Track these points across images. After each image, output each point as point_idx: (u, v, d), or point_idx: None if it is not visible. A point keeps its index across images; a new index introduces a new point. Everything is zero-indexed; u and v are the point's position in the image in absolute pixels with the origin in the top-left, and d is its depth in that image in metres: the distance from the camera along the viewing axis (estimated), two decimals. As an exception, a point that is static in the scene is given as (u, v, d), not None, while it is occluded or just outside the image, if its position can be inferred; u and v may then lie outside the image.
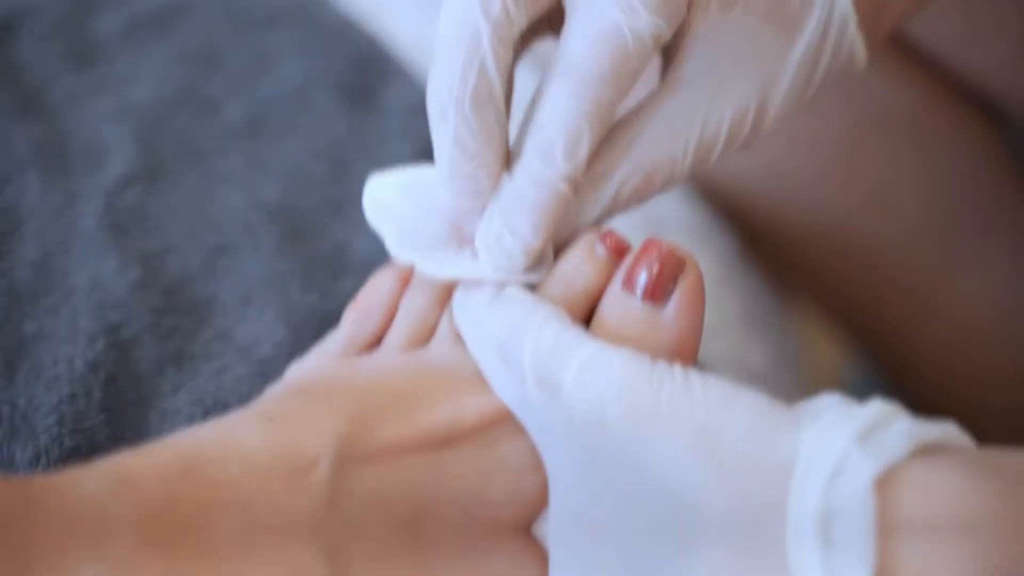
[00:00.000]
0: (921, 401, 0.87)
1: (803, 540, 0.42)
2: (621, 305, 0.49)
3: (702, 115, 0.51)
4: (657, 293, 0.49)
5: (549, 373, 0.46)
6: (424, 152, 0.71)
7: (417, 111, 0.74)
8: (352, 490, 0.46)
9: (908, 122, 0.78)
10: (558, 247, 0.52)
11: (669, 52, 0.53)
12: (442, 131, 0.49)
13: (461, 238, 0.52)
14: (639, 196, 0.52)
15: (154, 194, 0.66)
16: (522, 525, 0.49)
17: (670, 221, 0.75)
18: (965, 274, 0.81)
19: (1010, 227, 0.82)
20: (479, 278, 0.51)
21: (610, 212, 0.52)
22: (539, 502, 0.49)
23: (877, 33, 0.54)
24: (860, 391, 1.07)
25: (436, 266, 0.51)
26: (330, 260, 0.65)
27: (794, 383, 0.80)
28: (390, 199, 0.54)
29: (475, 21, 0.48)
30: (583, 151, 0.49)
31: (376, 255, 0.65)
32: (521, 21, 0.49)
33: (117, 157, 0.68)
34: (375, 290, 0.54)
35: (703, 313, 0.50)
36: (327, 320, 0.61)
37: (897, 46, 0.77)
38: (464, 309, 0.51)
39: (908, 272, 0.82)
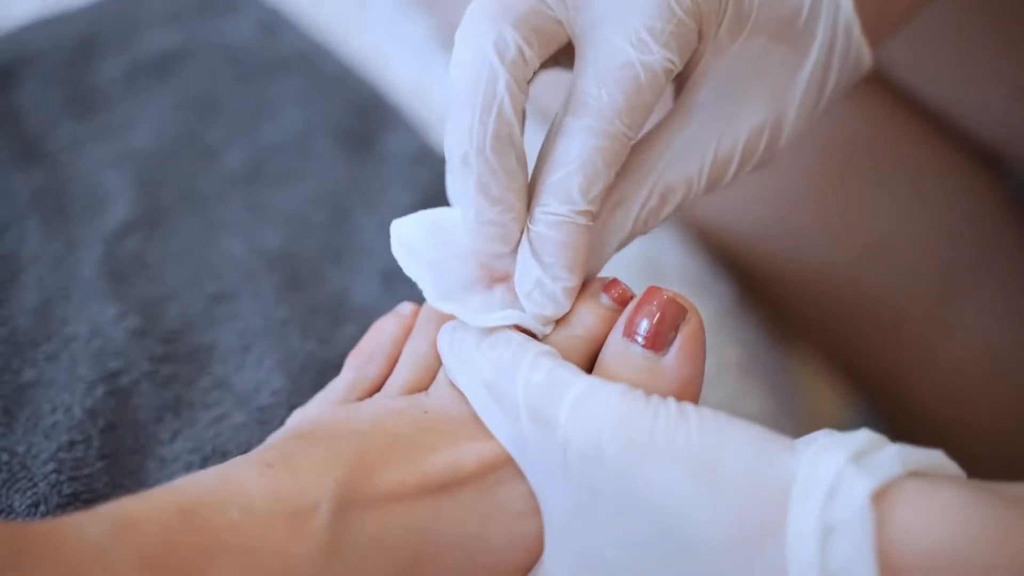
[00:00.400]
0: (922, 442, 0.86)
1: (803, 559, 0.42)
2: (622, 352, 0.50)
3: (716, 137, 0.52)
4: (659, 341, 0.49)
5: (544, 408, 0.47)
6: (424, 199, 0.71)
7: (417, 159, 0.74)
8: (353, 535, 0.46)
9: (907, 169, 0.79)
10: (589, 276, 0.52)
11: (680, 77, 0.54)
12: (466, 178, 0.49)
13: (491, 278, 0.52)
14: (656, 218, 0.52)
15: (154, 241, 0.66)
16: (522, 570, 0.49)
17: (669, 269, 0.75)
18: (963, 320, 0.81)
19: (1009, 274, 0.82)
20: (524, 324, 0.51)
21: (630, 237, 0.52)
22: (539, 547, 0.49)
23: (881, 34, 0.55)
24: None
25: (479, 317, 0.51)
26: (329, 307, 0.65)
27: (793, 431, 0.79)
28: (418, 243, 0.53)
29: (490, 65, 0.48)
30: (600, 187, 0.49)
31: (375, 302, 0.66)
32: (535, 63, 0.49)
33: (117, 204, 0.68)
34: (378, 335, 0.55)
35: (704, 360, 0.50)
36: (326, 368, 0.61)
37: (895, 94, 0.78)
38: (452, 350, 0.51)
39: (906, 318, 0.82)
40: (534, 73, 0.50)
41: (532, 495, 0.49)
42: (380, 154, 0.74)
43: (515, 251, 0.51)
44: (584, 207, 0.49)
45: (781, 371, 0.83)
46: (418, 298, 0.65)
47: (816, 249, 0.80)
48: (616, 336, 0.50)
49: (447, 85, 0.80)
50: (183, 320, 0.62)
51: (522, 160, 0.50)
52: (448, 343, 0.51)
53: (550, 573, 0.48)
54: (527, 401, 0.47)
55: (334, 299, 0.66)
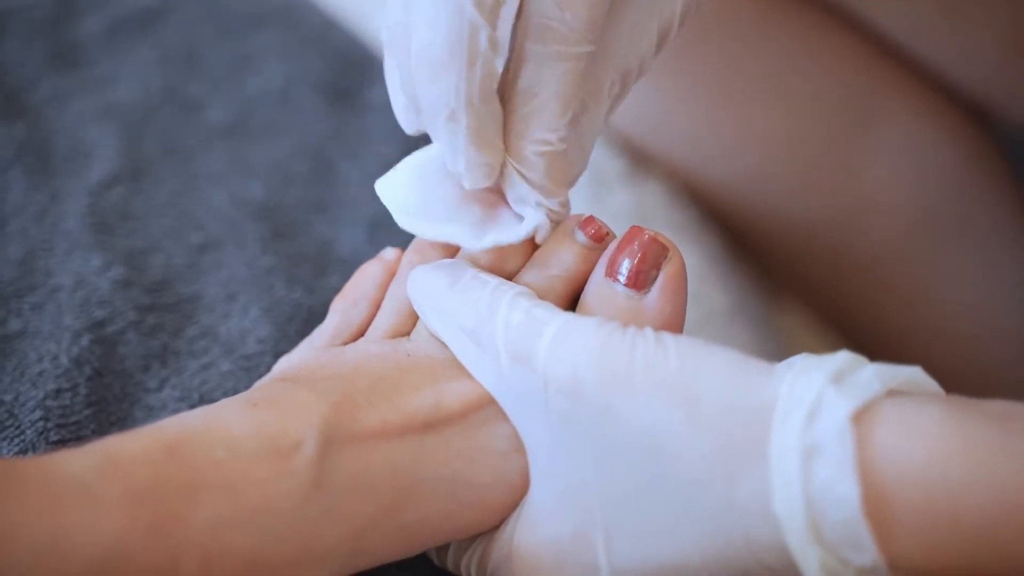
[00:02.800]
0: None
1: (786, 478, 0.42)
2: (604, 292, 0.50)
3: (658, 9, 0.51)
4: (640, 280, 0.49)
5: (523, 346, 0.47)
6: (407, 150, 0.71)
7: (400, 110, 0.74)
8: (336, 473, 0.46)
9: (897, 123, 0.79)
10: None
11: None
12: (454, 133, 0.49)
13: (479, 206, 0.52)
14: (620, 101, 0.52)
15: (138, 193, 0.66)
16: (506, 508, 0.49)
17: (655, 219, 0.76)
18: (951, 272, 0.82)
19: (998, 227, 0.82)
20: (524, 236, 0.51)
21: (600, 130, 0.53)
22: (523, 485, 0.49)
23: None
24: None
25: (480, 239, 0.51)
26: (314, 257, 0.65)
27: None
28: (403, 196, 0.53)
29: (471, 19, 0.47)
30: (574, 107, 0.49)
31: (360, 252, 0.66)
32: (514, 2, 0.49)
33: (101, 157, 0.68)
34: (362, 280, 0.55)
35: (686, 299, 0.50)
36: (312, 316, 0.61)
37: (883, 48, 0.78)
38: (423, 295, 0.51)
39: (893, 271, 0.82)
40: None
41: (516, 434, 0.49)
42: (363, 106, 0.74)
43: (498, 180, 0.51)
44: (563, 132, 0.49)
45: (767, 320, 0.83)
46: (404, 244, 0.66)
47: (802, 201, 0.80)
48: (598, 276, 0.50)
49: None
50: (168, 270, 0.62)
51: (498, 101, 0.50)
52: (420, 291, 0.51)
53: (536, 510, 0.48)
54: (507, 342, 0.47)
55: (319, 249, 0.66)
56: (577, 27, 0.48)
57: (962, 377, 0.84)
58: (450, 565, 0.51)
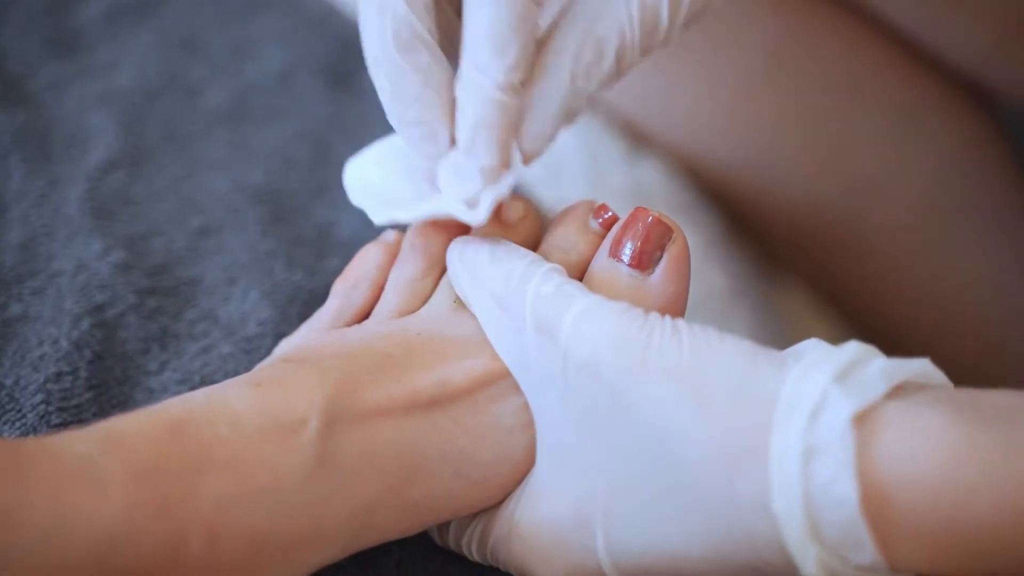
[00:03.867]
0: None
1: (786, 477, 0.42)
2: (609, 272, 0.50)
3: None
4: (644, 261, 0.49)
5: (549, 318, 0.47)
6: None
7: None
8: (341, 449, 0.46)
9: (898, 106, 0.79)
10: (529, 153, 0.51)
11: None
12: (379, 83, 0.49)
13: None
14: (598, 72, 0.50)
15: (137, 178, 0.66)
16: (510, 485, 0.49)
17: (656, 199, 0.76)
18: (954, 256, 0.82)
19: (1000, 209, 0.82)
20: (448, 211, 0.50)
21: (573, 101, 0.51)
22: (525, 462, 0.49)
23: None
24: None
25: (410, 212, 0.51)
26: (314, 240, 0.65)
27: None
28: (369, 175, 0.53)
29: None
30: (512, 53, 0.48)
31: (360, 234, 0.66)
32: None
33: (100, 143, 0.68)
34: (363, 262, 0.55)
35: (689, 279, 0.50)
36: (312, 298, 0.61)
37: (882, 29, 0.78)
38: (462, 264, 0.51)
39: (896, 254, 0.82)
40: None
41: (521, 411, 0.49)
42: (362, 90, 0.74)
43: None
44: (500, 77, 0.48)
45: (767, 299, 0.83)
46: (403, 227, 0.66)
47: (802, 183, 0.80)
48: (602, 256, 0.50)
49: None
50: (168, 254, 0.62)
51: (438, 56, 0.49)
52: (459, 256, 0.51)
53: (539, 488, 0.48)
54: (534, 311, 0.47)
55: (319, 232, 0.66)
56: None
57: (964, 358, 0.83)
58: (451, 543, 0.52)
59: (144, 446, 0.43)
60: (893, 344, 0.85)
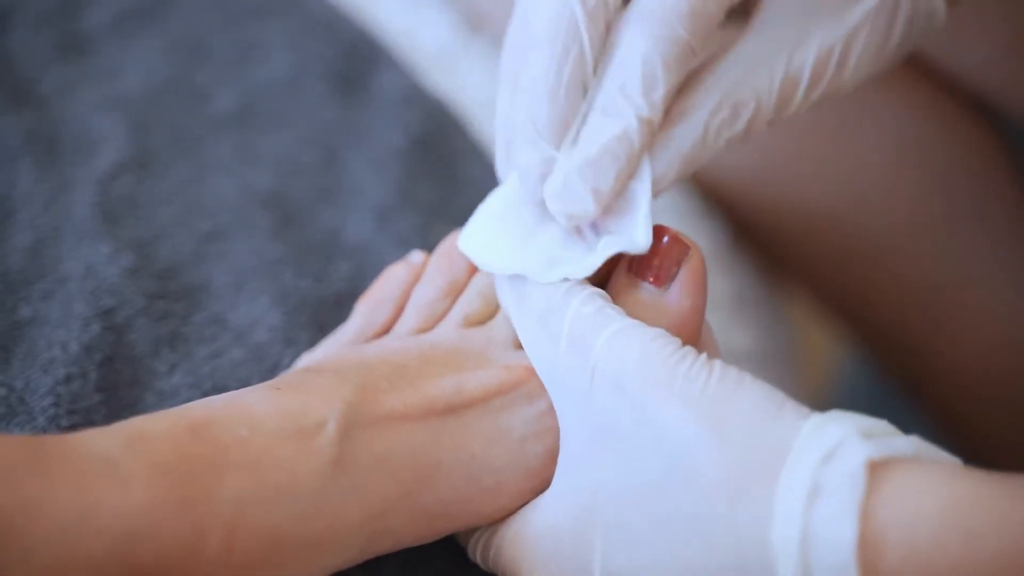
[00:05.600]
0: (914, 385, 0.87)
1: (789, 512, 0.42)
2: (627, 286, 0.50)
3: (787, 53, 0.51)
4: (661, 276, 0.50)
5: (585, 335, 0.47)
6: (415, 139, 0.72)
7: (407, 99, 0.74)
8: (358, 453, 0.47)
9: (902, 118, 0.79)
10: (656, 192, 0.51)
11: None
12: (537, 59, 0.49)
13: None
14: (730, 129, 0.51)
15: (146, 182, 0.67)
16: (525, 494, 0.50)
17: (661, 205, 0.76)
18: (955, 266, 0.82)
19: (1006, 221, 0.82)
20: (619, 248, 0.50)
21: (701, 151, 0.51)
22: (540, 470, 0.50)
23: None
24: (852, 376, 1.08)
25: (550, 271, 0.50)
26: (322, 245, 0.65)
27: (782, 365, 0.80)
28: (482, 234, 0.53)
29: (572, 9, 0.48)
30: (659, 92, 0.49)
31: (368, 241, 0.66)
32: (617, 2, 0.49)
33: (109, 146, 0.68)
34: (388, 282, 0.56)
35: (706, 295, 0.51)
36: (322, 304, 0.62)
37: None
38: (510, 282, 0.52)
39: (898, 263, 0.82)
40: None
41: (535, 421, 0.50)
42: (370, 95, 0.75)
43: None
44: (643, 108, 0.49)
45: (771, 306, 0.83)
46: (408, 235, 0.66)
47: (804, 192, 0.80)
48: (621, 271, 0.51)
49: (437, 25, 0.80)
50: (176, 258, 0.63)
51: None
52: (505, 279, 0.52)
53: (547, 497, 0.49)
54: (572, 328, 0.48)
55: (327, 237, 0.66)
56: (674, 11, 0.49)
57: (963, 366, 0.84)
58: (467, 548, 0.52)
59: (166, 445, 0.44)
60: (899, 351, 0.86)
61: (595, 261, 0.50)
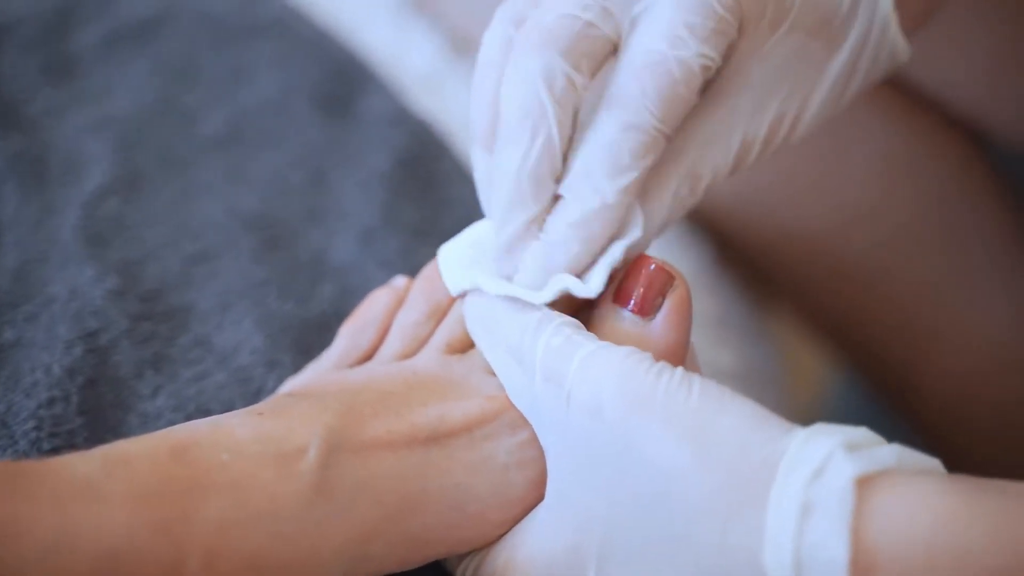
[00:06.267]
0: (901, 404, 0.87)
1: (780, 531, 0.42)
2: (611, 317, 0.51)
3: (743, 126, 0.52)
4: (646, 306, 0.50)
5: (556, 366, 0.48)
6: (401, 161, 0.72)
7: (393, 121, 0.74)
8: (341, 479, 0.47)
9: (891, 137, 0.79)
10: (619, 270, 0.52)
11: None
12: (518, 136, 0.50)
13: None
14: (684, 206, 0.53)
15: (132, 204, 0.67)
16: (508, 522, 0.50)
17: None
18: (941, 285, 0.82)
19: (996, 243, 0.83)
20: (566, 286, 0.50)
21: (660, 229, 0.53)
22: (523, 498, 0.50)
23: (921, 21, 0.55)
24: (839, 396, 1.08)
25: (542, 290, 0.51)
26: (307, 267, 0.66)
27: (768, 384, 0.80)
28: (464, 254, 0.54)
29: (539, 98, 0.48)
30: (627, 180, 0.49)
31: (353, 262, 0.66)
32: (586, 83, 0.49)
33: (95, 168, 0.68)
34: (371, 306, 0.56)
35: (690, 326, 0.51)
36: (305, 327, 0.62)
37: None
38: (478, 314, 0.52)
39: (884, 281, 0.82)
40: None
41: (519, 450, 0.50)
42: (357, 117, 0.75)
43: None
44: (611, 197, 0.49)
45: (757, 326, 0.83)
46: (392, 256, 0.66)
47: (791, 212, 0.80)
48: (605, 302, 0.51)
49: (423, 49, 0.80)
50: (161, 280, 0.63)
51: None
52: (474, 311, 0.52)
53: (537, 525, 0.49)
54: (543, 361, 0.48)
55: (312, 259, 0.66)
56: (643, 98, 0.49)
57: (951, 385, 0.84)
58: (455, 574, 0.52)
59: (147, 468, 0.44)
60: (887, 370, 0.86)
61: (544, 296, 0.50)
